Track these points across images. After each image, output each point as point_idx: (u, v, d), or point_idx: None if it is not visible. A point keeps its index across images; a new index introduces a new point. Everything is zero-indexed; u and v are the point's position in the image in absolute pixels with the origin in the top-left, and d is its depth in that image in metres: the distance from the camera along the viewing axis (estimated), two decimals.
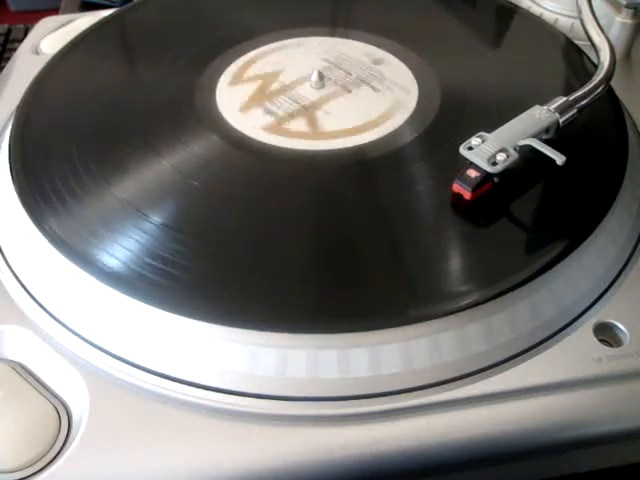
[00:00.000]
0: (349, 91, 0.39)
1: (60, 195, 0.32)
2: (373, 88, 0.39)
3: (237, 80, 0.40)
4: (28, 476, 0.25)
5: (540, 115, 0.33)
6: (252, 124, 0.36)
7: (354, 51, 0.42)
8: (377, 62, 0.41)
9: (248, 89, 0.39)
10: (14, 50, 0.48)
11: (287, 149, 0.35)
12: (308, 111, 0.37)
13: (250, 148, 0.35)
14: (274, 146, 0.35)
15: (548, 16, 0.46)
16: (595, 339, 0.28)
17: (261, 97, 0.38)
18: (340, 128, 0.36)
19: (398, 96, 0.38)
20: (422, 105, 0.37)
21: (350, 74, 0.40)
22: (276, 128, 0.36)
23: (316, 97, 0.38)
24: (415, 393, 0.27)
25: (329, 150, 0.35)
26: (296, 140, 0.35)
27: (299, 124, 0.36)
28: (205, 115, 0.37)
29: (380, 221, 0.31)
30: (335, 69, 0.40)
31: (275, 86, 0.39)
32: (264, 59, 0.41)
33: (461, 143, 0.32)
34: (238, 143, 0.35)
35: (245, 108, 0.38)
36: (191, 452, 0.26)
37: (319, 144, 0.35)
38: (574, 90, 0.35)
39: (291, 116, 0.37)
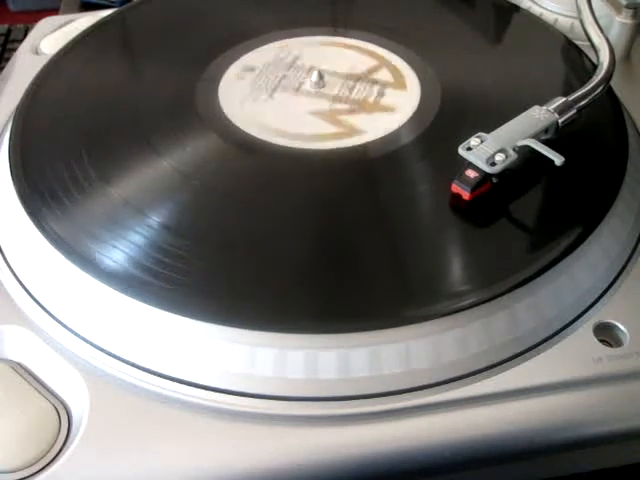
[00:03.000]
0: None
1: (60, 195, 0.32)
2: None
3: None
4: (28, 476, 0.25)
5: (539, 115, 0.33)
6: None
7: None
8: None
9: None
10: (14, 50, 0.48)
11: (288, 149, 0.35)
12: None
13: (252, 147, 0.35)
14: (275, 145, 0.35)
15: (548, 16, 0.46)
16: (595, 339, 0.28)
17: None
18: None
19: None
20: (422, 105, 0.37)
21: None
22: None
23: (316, 97, 0.38)
24: (415, 393, 0.27)
25: (329, 150, 0.35)
26: (296, 140, 0.35)
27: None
28: (206, 114, 0.37)
29: (379, 221, 0.31)
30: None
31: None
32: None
33: (460, 143, 0.32)
34: (240, 142, 0.35)
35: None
36: (191, 452, 0.26)
37: (319, 144, 0.35)
38: (574, 90, 0.35)
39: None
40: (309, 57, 0.41)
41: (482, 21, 0.44)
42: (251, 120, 0.37)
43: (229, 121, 0.36)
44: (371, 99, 0.38)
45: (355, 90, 0.39)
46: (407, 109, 0.37)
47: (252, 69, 0.40)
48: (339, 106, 0.38)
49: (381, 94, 0.38)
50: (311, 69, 0.39)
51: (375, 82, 0.39)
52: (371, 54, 0.41)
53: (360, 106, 0.37)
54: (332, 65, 0.40)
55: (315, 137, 0.35)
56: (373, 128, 0.36)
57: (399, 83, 0.39)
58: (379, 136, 0.35)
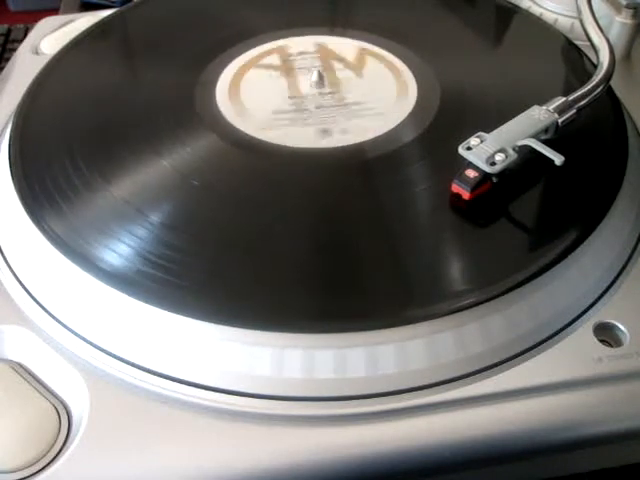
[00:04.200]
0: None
1: (60, 195, 0.32)
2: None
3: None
4: (28, 476, 0.25)
5: (539, 115, 0.33)
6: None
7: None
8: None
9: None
10: (14, 50, 0.48)
11: (287, 148, 0.35)
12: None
13: (250, 147, 0.35)
14: (274, 145, 0.35)
15: (548, 16, 0.46)
16: (595, 339, 0.28)
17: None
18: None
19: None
20: (421, 105, 0.37)
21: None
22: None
23: (316, 97, 0.38)
24: (415, 393, 0.27)
25: (329, 149, 0.35)
26: (296, 139, 0.35)
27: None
28: (205, 114, 0.37)
29: (378, 221, 0.31)
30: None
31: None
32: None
33: (460, 143, 0.32)
34: (238, 142, 0.35)
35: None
36: (191, 452, 0.26)
37: (319, 143, 0.35)
38: (574, 90, 0.35)
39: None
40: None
41: (482, 21, 0.44)
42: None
43: (227, 121, 0.36)
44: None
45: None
46: (406, 109, 0.37)
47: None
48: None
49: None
50: (310, 69, 0.39)
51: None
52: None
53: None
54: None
55: (315, 137, 0.35)
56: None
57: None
58: (379, 136, 0.35)
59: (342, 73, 0.40)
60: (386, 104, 0.38)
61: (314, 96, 0.38)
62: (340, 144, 0.35)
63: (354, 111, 0.37)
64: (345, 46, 0.42)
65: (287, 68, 0.40)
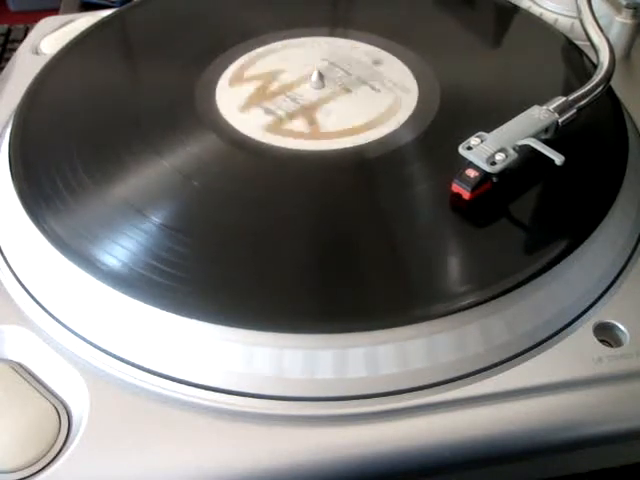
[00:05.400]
0: (349, 91, 0.39)
1: (60, 195, 0.32)
2: (373, 88, 0.39)
3: (237, 80, 0.40)
4: (28, 476, 0.25)
5: (539, 115, 0.33)
6: (252, 124, 0.36)
7: (354, 51, 0.42)
8: (377, 62, 0.41)
9: (248, 89, 0.39)
10: (14, 50, 0.48)
11: (287, 149, 0.35)
12: (308, 111, 0.37)
13: (250, 148, 0.35)
14: (274, 146, 0.35)
15: (548, 16, 0.46)
16: (595, 339, 0.28)
17: (261, 97, 0.38)
18: (340, 128, 0.36)
19: (398, 96, 0.38)
20: (422, 105, 0.37)
21: (350, 74, 0.40)
22: (276, 128, 0.36)
23: (316, 97, 0.38)
24: (415, 393, 0.27)
25: (329, 150, 0.35)
26: (296, 140, 0.35)
27: (299, 124, 0.36)
28: (205, 115, 0.37)
29: (379, 221, 0.31)
30: (335, 69, 0.40)
31: (275, 86, 0.39)
32: (264, 59, 0.41)
33: (460, 143, 0.32)
34: (238, 143, 0.35)
35: (245, 108, 0.38)
36: (191, 452, 0.26)
37: (319, 144, 0.35)
38: (574, 90, 0.35)
39: (291, 116, 0.37)
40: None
41: (482, 21, 0.44)
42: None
43: (227, 122, 0.36)
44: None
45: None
46: (407, 109, 0.37)
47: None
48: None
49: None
50: (311, 69, 0.39)
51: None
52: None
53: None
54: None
55: (315, 137, 0.35)
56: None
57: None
58: (379, 136, 0.35)
59: (342, 73, 0.40)
60: None
61: (314, 96, 0.38)
62: (341, 145, 0.35)
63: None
64: (345, 47, 0.42)
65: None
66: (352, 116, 0.37)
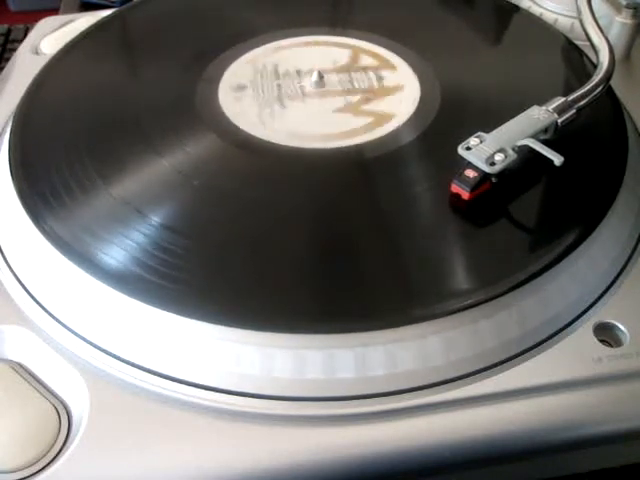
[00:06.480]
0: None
1: (60, 195, 0.32)
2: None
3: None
4: (28, 476, 0.25)
5: (539, 115, 0.33)
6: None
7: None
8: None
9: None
10: (14, 50, 0.48)
11: (288, 148, 0.35)
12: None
13: (252, 147, 0.35)
14: (275, 145, 0.35)
15: (548, 16, 0.46)
16: (595, 339, 0.28)
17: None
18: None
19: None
20: (422, 105, 0.37)
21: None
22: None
23: (317, 96, 0.38)
24: (415, 393, 0.27)
25: (329, 149, 0.35)
26: (296, 140, 0.35)
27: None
28: (206, 114, 0.37)
29: (379, 221, 0.31)
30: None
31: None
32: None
33: (460, 143, 0.32)
34: (240, 142, 0.35)
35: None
36: (191, 452, 0.26)
37: (319, 144, 0.35)
38: (573, 90, 0.35)
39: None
40: (309, 56, 0.41)
41: (482, 21, 0.44)
42: (251, 119, 0.37)
43: (229, 121, 0.36)
44: (375, 84, 0.39)
45: (355, 90, 0.39)
46: (407, 109, 0.37)
47: (252, 69, 0.40)
48: (353, 98, 0.38)
49: (380, 78, 0.39)
50: (311, 69, 0.39)
51: (375, 82, 0.39)
52: (371, 54, 0.41)
53: (373, 93, 0.38)
54: (332, 65, 0.40)
55: (316, 137, 0.35)
56: (398, 108, 0.37)
57: (399, 83, 0.39)
58: (379, 136, 0.35)
59: (343, 72, 0.40)
60: None
61: (315, 95, 0.38)
62: (341, 144, 0.35)
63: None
64: (345, 46, 0.42)
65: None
66: (352, 116, 0.37)
